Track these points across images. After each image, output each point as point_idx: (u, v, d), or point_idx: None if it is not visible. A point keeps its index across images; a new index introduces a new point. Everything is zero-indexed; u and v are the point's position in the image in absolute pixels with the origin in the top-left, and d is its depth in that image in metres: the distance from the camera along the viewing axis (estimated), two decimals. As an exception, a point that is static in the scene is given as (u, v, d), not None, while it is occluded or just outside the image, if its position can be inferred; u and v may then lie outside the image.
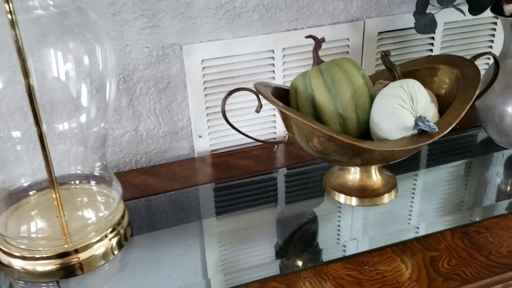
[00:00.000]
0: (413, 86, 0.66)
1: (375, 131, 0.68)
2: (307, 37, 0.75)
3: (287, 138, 0.74)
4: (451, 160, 0.89)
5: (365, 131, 0.70)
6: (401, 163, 0.73)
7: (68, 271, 0.64)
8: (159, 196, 0.81)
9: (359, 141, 0.64)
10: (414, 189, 0.81)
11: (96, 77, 0.62)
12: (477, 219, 0.71)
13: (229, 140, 0.95)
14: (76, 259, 0.65)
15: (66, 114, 0.65)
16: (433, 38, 1.00)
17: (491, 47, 1.04)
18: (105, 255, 0.67)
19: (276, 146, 0.75)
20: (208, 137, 0.94)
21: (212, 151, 0.95)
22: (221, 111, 0.68)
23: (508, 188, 0.81)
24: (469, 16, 0.86)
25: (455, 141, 0.95)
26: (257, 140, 0.75)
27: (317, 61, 0.73)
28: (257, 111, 0.69)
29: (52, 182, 0.65)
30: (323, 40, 0.75)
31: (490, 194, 0.79)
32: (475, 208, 0.75)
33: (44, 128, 0.61)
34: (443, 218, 0.72)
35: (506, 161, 0.87)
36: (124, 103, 0.87)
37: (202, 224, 0.75)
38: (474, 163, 0.89)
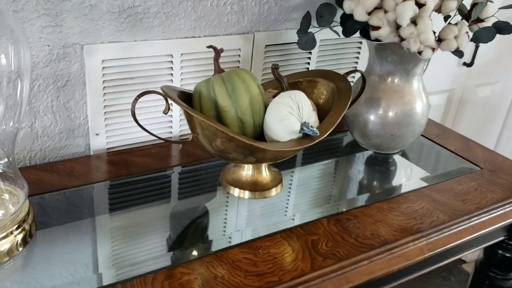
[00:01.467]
0: (300, 96, 0.78)
1: (268, 133, 0.79)
2: (208, 47, 0.83)
3: (191, 138, 0.81)
4: (322, 159, 1.04)
5: (259, 134, 0.80)
6: (282, 162, 0.85)
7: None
8: (58, 193, 0.83)
9: (256, 142, 0.73)
10: (292, 183, 0.94)
11: (10, 76, 0.63)
12: (344, 210, 0.85)
13: (126, 138, 0.99)
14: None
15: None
16: (310, 53, 1.14)
17: (356, 63, 1.22)
18: (9, 252, 0.68)
19: (180, 145, 0.81)
20: (105, 135, 0.97)
21: (108, 149, 0.98)
22: (131, 111, 0.73)
23: (367, 182, 0.97)
24: (340, 37, 1.01)
25: (326, 143, 1.10)
26: (164, 140, 0.81)
27: (218, 70, 0.81)
28: (165, 112, 0.76)
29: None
30: (221, 50, 0.84)
31: (355, 188, 0.95)
32: (344, 200, 0.90)
33: None
34: (318, 208, 0.86)
35: (366, 160, 1.04)
36: (20, 99, 0.86)
37: (96, 221, 0.78)
38: (341, 162, 1.04)
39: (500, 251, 1.05)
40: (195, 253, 0.72)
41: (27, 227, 0.71)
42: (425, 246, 0.79)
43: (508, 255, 1.04)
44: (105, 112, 0.95)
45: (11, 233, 0.68)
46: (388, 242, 0.77)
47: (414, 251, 0.78)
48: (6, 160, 0.70)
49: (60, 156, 0.95)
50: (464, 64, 1.53)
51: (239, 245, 0.74)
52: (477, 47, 1.49)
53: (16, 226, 0.69)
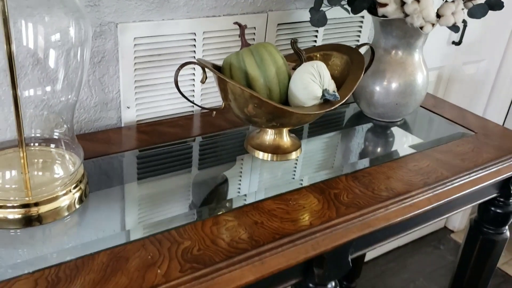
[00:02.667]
0: (321, 66, 0.87)
1: (293, 100, 0.88)
2: (234, 23, 0.92)
3: (223, 105, 0.89)
4: (330, 130, 1.13)
5: (284, 101, 0.89)
6: (299, 131, 0.94)
7: (29, 220, 0.71)
8: (100, 159, 0.91)
9: (286, 106, 0.83)
10: (310, 149, 1.03)
11: (73, 49, 0.70)
12: (361, 168, 0.95)
13: (154, 111, 1.07)
14: (36, 211, 0.72)
15: (39, 82, 0.72)
16: (317, 31, 1.23)
17: (358, 39, 1.32)
18: (69, 208, 0.76)
19: (214, 112, 0.90)
20: (135, 108, 1.05)
21: (138, 121, 1.06)
22: (174, 80, 0.81)
23: (376, 147, 1.08)
24: (342, 14, 1.11)
25: (333, 115, 1.20)
26: (200, 107, 0.90)
27: (245, 43, 0.90)
28: (203, 81, 0.84)
29: (21, 142, 0.71)
30: (245, 26, 0.92)
31: (366, 151, 1.05)
32: (358, 161, 1.00)
33: (19, 92, 0.68)
34: (336, 168, 0.95)
35: (372, 129, 1.14)
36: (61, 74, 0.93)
37: (140, 183, 0.86)
38: (350, 131, 1.14)
39: (492, 208, 1.16)
40: (235, 204, 0.81)
41: (82, 187, 0.79)
42: (432, 197, 0.90)
43: (499, 211, 1.16)
44: (135, 87, 1.02)
45: (70, 191, 0.76)
46: (401, 194, 0.88)
47: (423, 202, 0.89)
48: (65, 127, 0.78)
49: (94, 128, 1.03)
50: (453, 43, 1.64)
51: (272, 198, 0.83)
52: (465, 27, 1.60)
53: (74, 185, 0.77)
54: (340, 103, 0.87)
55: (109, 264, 0.66)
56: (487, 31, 1.75)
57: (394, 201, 0.86)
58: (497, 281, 1.98)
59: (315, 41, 1.25)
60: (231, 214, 0.78)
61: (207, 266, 0.67)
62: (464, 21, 1.56)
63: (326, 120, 1.17)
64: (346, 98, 0.87)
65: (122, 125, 1.05)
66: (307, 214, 0.80)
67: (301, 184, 0.88)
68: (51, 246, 0.70)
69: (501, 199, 1.15)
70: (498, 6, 1.06)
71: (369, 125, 1.15)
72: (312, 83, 0.86)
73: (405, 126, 1.16)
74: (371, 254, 1.99)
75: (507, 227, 1.20)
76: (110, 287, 0.62)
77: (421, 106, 1.24)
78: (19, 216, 0.71)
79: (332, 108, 0.86)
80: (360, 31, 1.31)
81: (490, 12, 1.66)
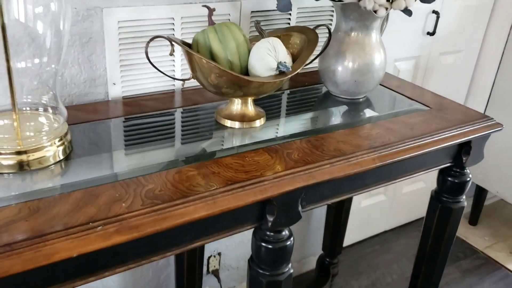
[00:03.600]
0: (276, 41, 1.00)
1: (252, 71, 1.00)
2: (203, 6, 1.05)
3: (191, 76, 1.02)
4: (301, 106, 1.25)
5: (245, 73, 1.02)
6: (269, 105, 1.06)
7: (20, 165, 0.85)
8: (85, 124, 1.04)
9: (242, 76, 0.95)
10: (275, 120, 1.15)
11: (57, 25, 0.84)
12: (314, 134, 1.07)
13: (138, 88, 1.21)
14: (26, 158, 0.85)
15: (30, 53, 0.86)
16: (289, 19, 1.36)
17: (330, 25, 1.44)
18: (53, 157, 0.89)
19: (183, 82, 1.03)
20: (121, 84, 1.18)
21: (123, 97, 1.20)
22: (145, 52, 0.95)
23: (334, 118, 1.19)
24: (313, 3, 1.23)
25: (305, 93, 1.32)
26: (171, 77, 1.03)
27: (211, 23, 1.03)
28: (171, 54, 0.97)
29: (14, 104, 0.85)
30: (214, 9, 1.06)
31: (324, 121, 1.17)
32: (315, 129, 1.11)
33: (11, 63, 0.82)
34: (294, 134, 1.07)
35: (335, 104, 1.26)
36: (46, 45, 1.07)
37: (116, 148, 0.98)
38: (316, 106, 1.26)
39: (449, 178, 1.27)
40: (198, 160, 0.94)
41: (66, 142, 0.92)
42: (377, 158, 1.01)
43: (456, 181, 1.26)
44: (120, 65, 1.16)
45: (54, 143, 0.90)
46: (347, 154, 0.99)
47: (367, 161, 1.00)
48: (51, 93, 0.92)
49: (84, 101, 1.16)
50: (428, 33, 1.75)
51: (231, 155, 0.95)
52: (437, 17, 1.71)
53: (58, 139, 0.90)
54: (292, 74, 0.99)
55: (82, 199, 0.79)
56: (464, 23, 1.85)
57: (340, 159, 0.97)
58: (478, 262, 2.06)
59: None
60: (193, 166, 0.91)
61: (165, 202, 0.80)
62: (437, 12, 1.68)
63: (299, 99, 1.29)
64: (300, 69, 1.00)
65: (109, 99, 1.19)
66: (259, 167, 0.92)
67: (261, 146, 1.00)
68: (36, 185, 0.83)
69: (457, 170, 1.25)
70: (447, -9, 1.17)
71: (333, 101, 1.27)
72: (267, 56, 0.98)
73: (366, 102, 1.27)
74: (356, 237, 2.09)
75: (464, 196, 1.30)
76: (80, 214, 0.75)
77: (385, 86, 1.36)
78: (12, 162, 0.85)
79: (285, 78, 0.99)
80: (331, 18, 1.43)
81: (466, 4, 1.81)
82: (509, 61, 1.99)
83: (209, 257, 1.63)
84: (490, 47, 1.98)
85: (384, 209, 2.11)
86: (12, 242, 0.69)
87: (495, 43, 1.96)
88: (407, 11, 1.18)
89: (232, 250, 1.69)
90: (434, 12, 1.71)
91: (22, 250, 0.68)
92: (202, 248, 1.54)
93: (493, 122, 1.21)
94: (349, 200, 1.72)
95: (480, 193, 2.29)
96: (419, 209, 2.07)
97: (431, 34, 1.75)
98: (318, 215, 1.86)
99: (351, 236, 2.03)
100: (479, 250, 2.15)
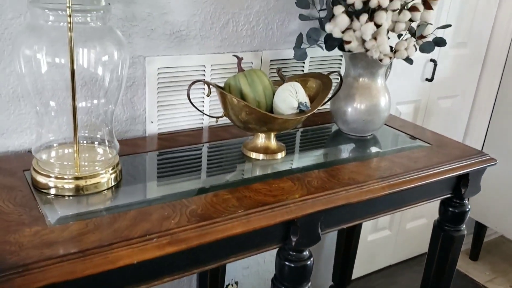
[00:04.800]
0: (297, 85, 1.16)
1: (276, 110, 1.16)
2: (234, 55, 1.22)
3: (223, 114, 1.18)
4: (316, 142, 1.41)
5: (270, 111, 1.18)
6: (287, 142, 1.22)
7: (78, 189, 0.99)
8: (130, 156, 1.19)
9: (269, 114, 1.11)
10: (294, 153, 1.30)
11: (117, 71, 1.01)
12: (330, 165, 1.21)
13: (172, 126, 1.36)
14: (84, 183, 1.00)
15: (92, 94, 1.02)
16: (303, 66, 1.53)
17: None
18: (107, 183, 1.04)
19: (217, 119, 1.18)
20: (157, 122, 1.34)
21: (159, 134, 1.35)
22: (187, 94, 1.11)
23: (348, 152, 1.34)
24: (324, 53, 1.41)
25: (318, 131, 1.48)
26: (206, 114, 1.20)
27: (240, 69, 1.20)
28: (208, 95, 1.13)
29: (76, 138, 1.00)
30: (242, 58, 1.23)
31: (337, 155, 1.32)
32: (331, 161, 1.26)
33: (76, 102, 0.97)
34: (315, 165, 1.22)
35: (347, 141, 1.41)
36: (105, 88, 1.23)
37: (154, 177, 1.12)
38: (329, 142, 1.41)
39: (450, 209, 1.40)
40: (231, 186, 1.08)
41: (117, 171, 1.07)
42: (386, 186, 1.15)
43: (456, 211, 1.40)
44: (158, 106, 1.32)
45: (108, 171, 1.04)
46: (360, 182, 1.13)
47: (378, 189, 1.14)
48: (107, 129, 1.07)
49: (125, 137, 1.32)
50: (426, 79, 1.93)
51: (259, 182, 1.10)
52: (435, 65, 1.90)
53: (111, 168, 1.05)
54: (311, 112, 1.15)
55: (137, 216, 0.93)
56: (459, 70, 2.03)
57: (354, 187, 1.12)
58: (480, 295, 2.15)
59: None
60: (227, 190, 1.05)
61: (206, 220, 0.94)
62: (434, 61, 1.87)
63: (313, 136, 1.44)
64: (316, 109, 1.16)
65: (147, 135, 1.34)
66: (284, 192, 1.06)
67: (286, 175, 1.15)
68: (97, 206, 0.97)
69: (457, 201, 1.39)
70: (443, 43, 1.35)
71: (344, 138, 1.42)
72: (289, 97, 1.14)
73: (373, 139, 1.43)
74: (363, 270, 2.19)
75: (464, 225, 1.43)
76: (137, 229, 0.89)
77: (389, 126, 1.51)
78: (72, 186, 0.99)
79: (305, 116, 1.14)
80: (340, 65, 1.61)
81: (460, 53, 2.01)
82: (502, 104, 2.16)
83: (227, 286, 1.74)
84: (484, 92, 2.15)
85: (389, 244, 2.22)
86: (85, 249, 0.82)
87: (488, 88, 2.14)
88: (409, 60, 1.35)
89: (248, 280, 1.80)
90: (432, 60, 1.89)
91: (93, 256, 0.82)
92: (223, 276, 1.65)
93: (488, 157, 1.36)
94: (358, 234, 1.84)
95: (480, 229, 2.40)
96: (422, 245, 2.18)
97: (430, 80, 1.92)
98: (328, 247, 1.98)
99: (358, 270, 2.14)
100: (480, 284, 2.24)
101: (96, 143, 1.10)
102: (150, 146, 1.28)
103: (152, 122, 1.33)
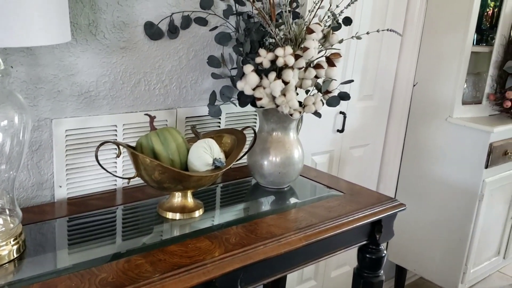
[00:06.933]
0: (211, 141, 1.17)
1: (191, 167, 1.15)
2: (145, 114, 1.21)
3: (135, 175, 1.15)
4: (235, 197, 1.40)
5: (185, 169, 1.16)
6: (206, 197, 1.21)
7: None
8: (34, 224, 1.12)
9: (183, 172, 1.09)
10: (212, 210, 1.29)
11: (18, 135, 0.96)
12: (248, 220, 1.21)
13: (82, 189, 1.30)
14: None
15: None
16: (219, 122, 1.55)
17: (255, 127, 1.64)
18: (8, 256, 0.96)
19: (128, 180, 1.15)
20: (66, 187, 1.28)
21: (68, 198, 1.28)
22: (95, 155, 1.07)
23: (265, 205, 1.35)
24: (240, 108, 1.43)
25: (238, 185, 1.48)
26: (118, 177, 1.15)
27: (153, 128, 1.19)
28: (118, 156, 1.10)
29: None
30: (154, 117, 1.22)
31: (256, 208, 1.32)
32: (249, 216, 1.26)
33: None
34: (232, 221, 1.21)
35: (264, 194, 1.42)
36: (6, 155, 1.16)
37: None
38: (248, 195, 1.42)
39: (367, 255, 1.44)
40: (145, 250, 1.04)
41: (20, 241, 0.99)
42: (303, 237, 1.16)
43: (374, 257, 1.43)
44: (66, 169, 1.26)
45: (10, 242, 0.97)
46: (277, 235, 1.14)
47: (295, 241, 1.15)
48: (8, 197, 1.00)
49: (31, 204, 1.24)
50: (338, 130, 2.02)
51: (175, 243, 1.06)
52: (344, 117, 2.00)
53: (13, 238, 0.98)
54: (226, 168, 1.15)
55: (41, 290, 0.86)
56: (367, 121, 2.15)
57: (272, 240, 1.12)
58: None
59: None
60: (140, 255, 1.01)
61: (118, 288, 0.88)
62: (343, 113, 1.96)
63: (233, 190, 1.44)
64: (232, 164, 1.16)
65: (55, 200, 1.27)
66: (201, 252, 1.04)
67: (203, 233, 1.12)
68: (-6, 283, 0.89)
69: (373, 247, 1.43)
70: (347, 97, 1.43)
71: (262, 191, 1.44)
72: (204, 153, 1.14)
73: (290, 190, 1.45)
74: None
75: (381, 270, 1.46)
76: (41, 304, 0.82)
77: (304, 176, 1.55)
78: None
79: (221, 172, 1.14)
80: (255, 119, 1.64)
81: (367, 105, 2.14)
82: (409, 150, 2.31)
83: None
84: (392, 140, 2.29)
85: (316, 294, 2.22)
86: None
87: (396, 135, 2.28)
88: (317, 114, 1.41)
89: None
90: (341, 112, 1.99)
91: None
92: None
93: (398, 202, 1.43)
94: (283, 286, 1.83)
95: (401, 272, 2.48)
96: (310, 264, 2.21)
97: (341, 131, 2.02)
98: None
99: (287, 324, 2.10)
100: (406, 327, 2.29)
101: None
102: (59, 212, 1.21)
103: (60, 186, 1.26)
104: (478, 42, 2.22)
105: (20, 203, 1.22)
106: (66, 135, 1.24)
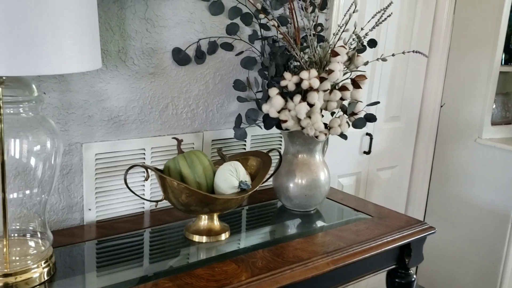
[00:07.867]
0: (237, 164, 1.17)
1: (217, 190, 1.16)
2: (173, 138, 1.23)
3: (163, 197, 1.16)
4: (260, 220, 1.40)
5: (211, 192, 1.17)
6: (231, 222, 1.21)
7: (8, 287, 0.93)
8: (64, 247, 1.14)
9: (210, 194, 1.10)
10: (238, 233, 1.29)
11: (50, 160, 0.98)
12: (274, 243, 1.20)
13: (111, 212, 1.32)
14: (14, 280, 0.93)
15: (24, 185, 0.98)
16: (245, 144, 1.56)
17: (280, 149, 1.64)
18: (39, 278, 0.97)
19: (156, 203, 1.16)
20: (95, 210, 1.30)
21: (97, 221, 1.30)
22: (124, 179, 1.09)
23: (292, 228, 1.34)
24: (265, 131, 1.44)
25: (263, 208, 1.48)
26: (146, 200, 1.17)
27: (180, 151, 1.20)
28: (146, 179, 1.12)
29: (5, 231, 0.95)
30: (182, 140, 1.24)
31: (283, 231, 1.31)
32: (276, 238, 1.25)
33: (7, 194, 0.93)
34: (257, 244, 1.20)
35: (291, 217, 1.41)
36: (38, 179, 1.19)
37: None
38: (273, 219, 1.41)
39: (396, 280, 1.41)
40: (172, 273, 1.04)
41: (51, 264, 1.01)
42: (331, 262, 1.15)
43: (403, 281, 1.40)
44: (96, 192, 1.29)
45: (41, 265, 0.98)
46: (304, 259, 1.12)
47: (323, 265, 1.13)
48: (40, 220, 1.03)
49: (61, 227, 1.26)
50: (364, 152, 2.00)
51: (202, 266, 1.06)
52: (371, 139, 1.98)
53: (44, 261, 0.99)
54: (252, 191, 1.15)
55: (70, 313, 0.87)
56: (394, 142, 2.13)
57: (299, 265, 1.10)
58: None
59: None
60: (167, 278, 1.01)
61: (146, 311, 0.89)
62: (370, 134, 1.95)
63: (259, 213, 1.44)
64: (258, 187, 1.16)
65: (84, 223, 1.29)
66: (228, 276, 1.03)
67: (230, 257, 1.12)
68: (25, 305, 0.90)
69: (402, 271, 1.40)
70: (373, 118, 1.42)
71: (288, 214, 1.43)
72: (230, 176, 1.15)
73: (317, 213, 1.44)
74: None
75: (411, 295, 1.43)
76: (70, 327, 0.83)
77: (331, 199, 1.54)
78: (0, 284, 0.92)
79: (247, 194, 1.15)
80: (280, 142, 1.65)
81: (394, 127, 2.12)
82: (438, 172, 2.27)
83: None
84: (420, 161, 2.25)
85: (344, 319, 2.18)
86: None
87: (424, 157, 2.25)
88: (343, 136, 1.41)
89: None
90: (367, 134, 1.98)
91: None
92: None
93: (427, 226, 1.40)
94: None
95: (432, 297, 2.41)
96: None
97: (367, 153, 2.00)
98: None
99: None
100: None
101: (28, 235, 1.05)
102: (88, 234, 1.22)
103: (90, 209, 1.29)
104: (507, 62, 2.18)
105: (51, 226, 1.24)
106: (96, 159, 1.27)
